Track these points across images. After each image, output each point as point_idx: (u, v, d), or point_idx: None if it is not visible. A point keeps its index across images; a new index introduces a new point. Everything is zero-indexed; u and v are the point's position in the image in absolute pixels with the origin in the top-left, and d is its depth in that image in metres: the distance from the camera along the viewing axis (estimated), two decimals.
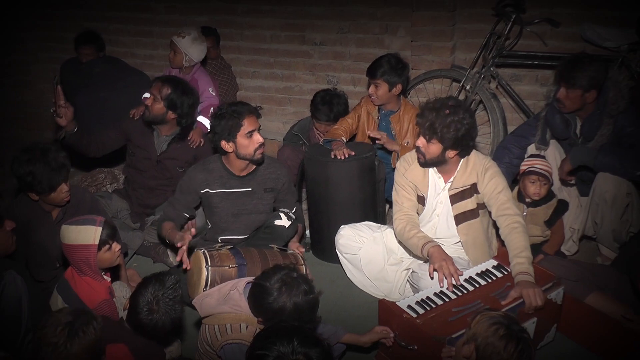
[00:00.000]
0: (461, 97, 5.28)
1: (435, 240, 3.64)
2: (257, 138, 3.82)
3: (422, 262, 3.70)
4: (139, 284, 3.00)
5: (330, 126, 4.89)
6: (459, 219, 3.68)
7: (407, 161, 3.78)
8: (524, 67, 5.21)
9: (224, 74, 5.92)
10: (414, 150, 3.69)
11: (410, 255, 3.90)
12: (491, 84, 5.22)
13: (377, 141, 4.48)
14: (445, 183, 3.68)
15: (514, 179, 4.34)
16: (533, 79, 5.32)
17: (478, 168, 3.60)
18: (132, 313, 2.96)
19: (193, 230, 3.72)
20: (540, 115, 4.29)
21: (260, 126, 3.87)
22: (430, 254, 3.46)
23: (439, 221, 3.76)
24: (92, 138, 4.52)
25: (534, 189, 3.98)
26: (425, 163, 3.62)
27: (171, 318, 2.94)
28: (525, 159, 4.15)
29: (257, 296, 2.87)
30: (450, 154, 3.54)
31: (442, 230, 3.77)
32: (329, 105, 4.93)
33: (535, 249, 3.89)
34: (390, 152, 4.57)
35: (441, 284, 3.33)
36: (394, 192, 3.84)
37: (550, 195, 4.03)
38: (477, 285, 3.35)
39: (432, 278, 3.40)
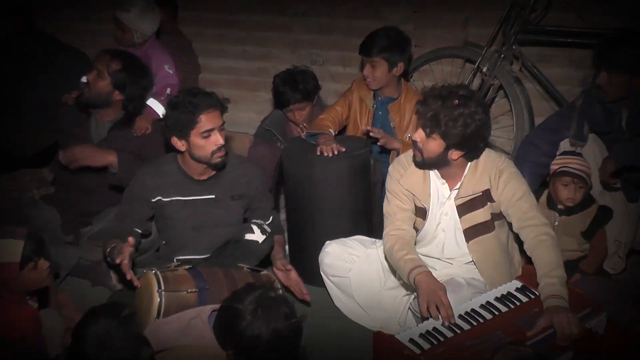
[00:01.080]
0: (476, 82, 5.29)
1: (429, 262, 3.65)
2: (216, 139, 3.79)
3: None
4: (86, 314, 2.95)
5: (305, 109, 4.92)
6: (469, 233, 3.66)
7: (402, 165, 3.76)
8: (555, 45, 5.23)
9: (183, 52, 5.92)
10: (411, 150, 3.67)
11: None
12: (514, 65, 5.25)
13: (372, 135, 4.45)
14: (450, 190, 3.66)
15: (543, 181, 4.34)
16: (566, 60, 5.34)
17: (490, 171, 3.58)
18: (76, 349, 2.90)
19: (130, 239, 3.67)
20: (575, 104, 4.31)
21: (223, 123, 3.84)
22: (417, 283, 3.41)
23: (445, 237, 3.74)
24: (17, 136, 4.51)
25: (567, 193, 3.98)
26: (422, 162, 3.59)
27: (126, 358, 2.88)
28: (557, 157, 4.15)
29: (226, 322, 2.86)
30: (454, 154, 3.50)
31: (451, 248, 3.76)
32: (291, 84, 4.90)
33: (571, 266, 3.90)
34: (389, 151, 4.57)
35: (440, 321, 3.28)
36: (385, 203, 3.82)
37: (588, 200, 4.03)
38: (497, 313, 3.31)
39: (425, 318, 3.33)
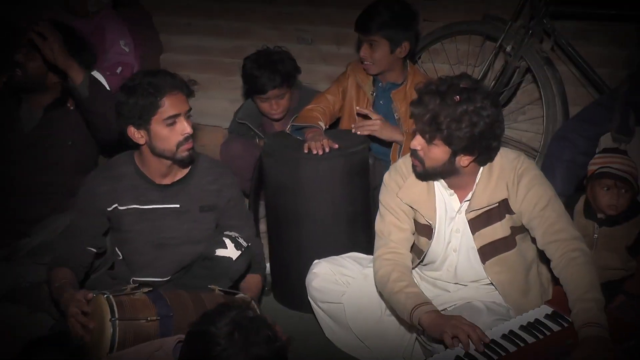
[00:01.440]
0: (498, 63, 5.31)
1: (439, 284, 3.69)
2: (182, 127, 3.77)
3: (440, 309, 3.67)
4: (24, 348, 2.96)
5: (284, 97, 4.95)
6: (486, 252, 3.64)
7: (400, 173, 3.75)
8: (594, 18, 5.25)
9: (141, 27, 5.90)
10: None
11: None
12: (544, 43, 5.26)
13: (359, 130, 4.46)
14: (460, 202, 3.66)
15: (579, 185, 4.36)
16: (608, 37, 5.36)
17: (508, 175, 3.57)
18: None
19: (90, 294, 3.60)
20: (619, 91, 4.32)
21: (190, 109, 3.84)
22: (423, 324, 3.39)
23: (457, 259, 3.74)
24: None
25: (608, 200, 3.98)
26: (424, 173, 3.57)
27: None
28: (596, 156, 4.15)
29: (196, 349, 2.83)
30: (464, 160, 3.49)
31: (465, 271, 3.76)
32: (269, 66, 4.89)
33: (613, 287, 3.90)
34: (389, 144, 4.59)
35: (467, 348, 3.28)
36: (378, 218, 3.82)
37: (634, 208, 4.04)
38: (522, 344, 3.31)
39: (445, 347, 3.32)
